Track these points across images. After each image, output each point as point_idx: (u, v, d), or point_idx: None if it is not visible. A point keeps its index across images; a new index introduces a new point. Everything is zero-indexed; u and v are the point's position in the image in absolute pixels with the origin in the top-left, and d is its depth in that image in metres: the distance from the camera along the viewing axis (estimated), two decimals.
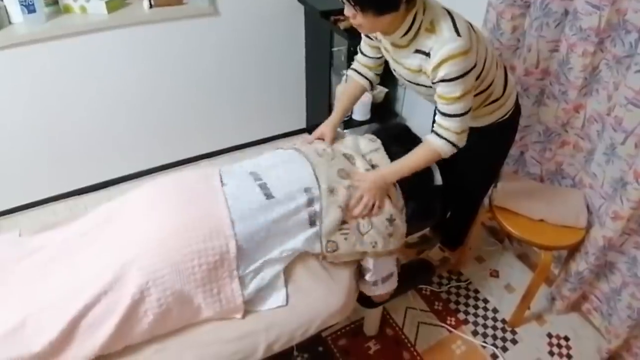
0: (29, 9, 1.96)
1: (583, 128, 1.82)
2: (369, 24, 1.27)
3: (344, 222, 1.38)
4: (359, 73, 1.67)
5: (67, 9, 2.12)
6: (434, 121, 1.41)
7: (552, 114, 1.86)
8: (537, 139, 1.98)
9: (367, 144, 1.59)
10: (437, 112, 1.38)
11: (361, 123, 2.64)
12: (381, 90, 2.71)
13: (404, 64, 1.42)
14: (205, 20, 2.38)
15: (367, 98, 2.57)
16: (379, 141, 1.60)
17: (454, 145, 1.38)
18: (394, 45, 1.41)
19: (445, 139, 1.37)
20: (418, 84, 1.45)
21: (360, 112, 2.62)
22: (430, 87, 1.37)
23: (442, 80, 1.29)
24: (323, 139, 1.64)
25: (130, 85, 2.39)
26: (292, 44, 2.73)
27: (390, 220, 1.42)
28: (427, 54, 1.30)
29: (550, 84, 1.84)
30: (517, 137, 2.02)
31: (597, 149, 1.71)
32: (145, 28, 2.25)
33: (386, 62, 1.60)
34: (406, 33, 1.31)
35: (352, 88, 1.70)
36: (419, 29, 1.29)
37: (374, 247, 1.40)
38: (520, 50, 1.89)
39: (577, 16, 1.60)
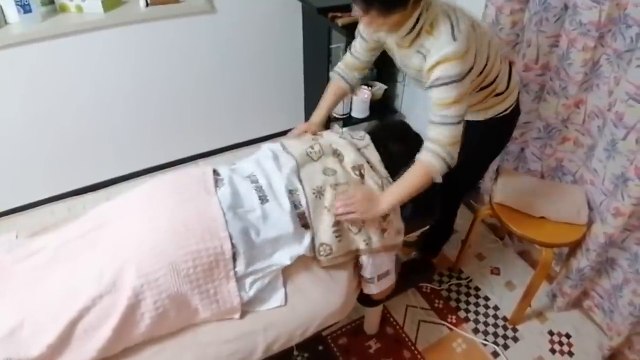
0: (25, 9, 1.95)
1: (584, 124, 1.81)
2: (377, 22, 1.26)
3: (336, 223, 1.37)
4: (342, 77, 1.67)
5: (63, 8, 2.10)
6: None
7: (553, 109, 1.85)
8: (537, 135, 1.97)
9: (358, 141, 1.58)
10: (428, 125, 1.32)
11: (360, 120, 2.63)
12: (380, 87, 2.69)
13: (408, 65, 1.43)
14: (201, 17, 2.36)
15: (366, 95, 2.56)
16: (367, 137, 1.58)
17: (443, 160, 1.29)
18: (397, 45, 1.41)
19: (433, 151, 1.30)
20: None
21: (359, 110, 2.61)
22: None
23: (435, 85, 1.26)
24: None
25: (127, 85, 2.38)
26: (289, 41, 2.71)
27: (383, 216, 1.41)
28: (425, 56, 1.30)
29: (550, 79, 1.83)
30: (517, 133, 2.02)
31: (598, 145, 1.70)
32: (141, 26, 2.23)
33: (376, 61, 1.63)
34: (409, 33, 1.31)
35: (334, 90, 1.70)
36: (420, 29, 1.29)
37: (367, 244, 1.39)
38: (519, 45, 1.88)
39: (576, 10, 1.59)
